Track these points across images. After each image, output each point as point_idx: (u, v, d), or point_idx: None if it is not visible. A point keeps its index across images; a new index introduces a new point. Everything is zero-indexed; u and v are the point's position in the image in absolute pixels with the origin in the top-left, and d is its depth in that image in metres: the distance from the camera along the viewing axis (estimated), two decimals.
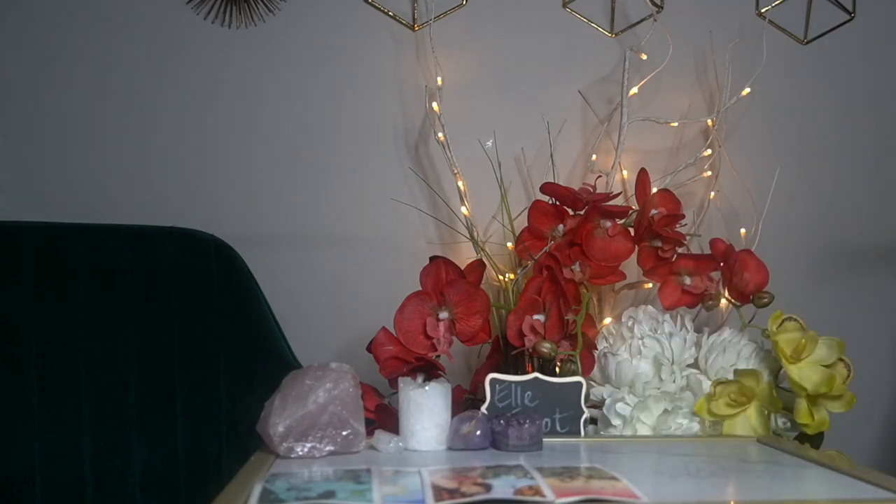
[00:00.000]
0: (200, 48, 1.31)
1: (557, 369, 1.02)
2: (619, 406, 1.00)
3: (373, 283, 1.32)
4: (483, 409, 0.91)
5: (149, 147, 1.30)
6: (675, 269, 1.10)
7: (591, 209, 1.10)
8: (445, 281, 1.02)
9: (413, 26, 1.33)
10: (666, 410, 1.00)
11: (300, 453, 0.77)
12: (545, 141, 1.30)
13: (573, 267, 1.10)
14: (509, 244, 1.23)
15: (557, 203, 1.13)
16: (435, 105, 1.26)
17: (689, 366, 1.07)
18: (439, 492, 0.61)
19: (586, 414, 0.93)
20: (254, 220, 1.32)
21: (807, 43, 1.40)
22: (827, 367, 1.01)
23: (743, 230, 1.31)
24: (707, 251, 1.14)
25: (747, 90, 1.30)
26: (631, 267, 1.17)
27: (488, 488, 0.59)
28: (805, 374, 1.00)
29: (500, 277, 1.20)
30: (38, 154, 1.29)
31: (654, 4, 1.36)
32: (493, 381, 0.93)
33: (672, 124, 1.34)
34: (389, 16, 1.33)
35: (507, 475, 0.65)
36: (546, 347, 0.99)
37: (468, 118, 1.31)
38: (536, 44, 1.36)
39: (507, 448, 0.83)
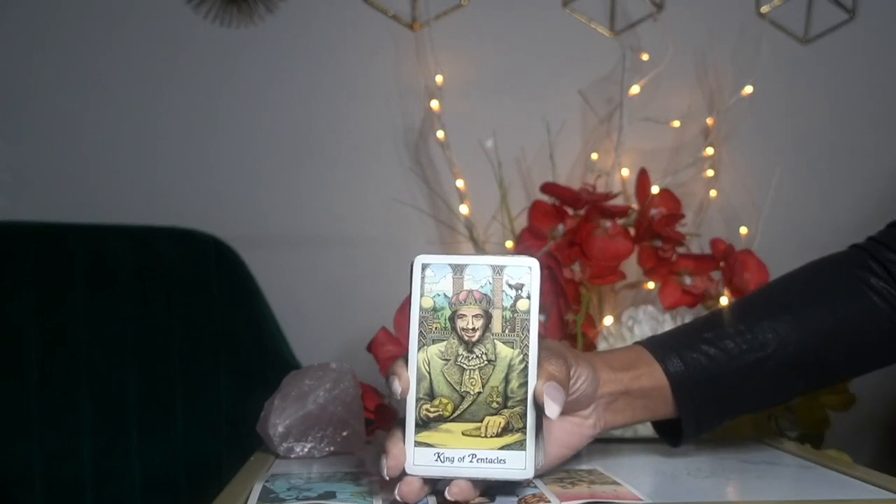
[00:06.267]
0: (200, 48, 1.31)
1: None
2: None
3: (373, 283, 1.32)
4: None
5: (148, 147, 1.30)
6: (675, 269, 1.10)
7: (591, 209, 1.10)
8: None
9: (413, 26, 1.33)
10: None
11: (300, 453, 0.77)
12: (545, 141, 1.30)
13: (573, 267, 1.10)
14: (509, 244, 1.23)
15: (558, 203, 1.13)
16: (435, 105, 1.26)
17: None
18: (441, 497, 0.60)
19: None
20: (254, 220, 1.32)
21: (807, 43, 1.40)
22: None
23: (743, 230, 1.31)
24: (707, 251, 1.14)
25: (749, 89, 1.30)
26: (631, 267, 1.16)
27: (492, 498, 0.59)
28: None
29: None
30: (38, 154, 1.29)
31: (654, 4, 1.36)
32: None
33: (672, 124, 1.34)
34: (389, 16, 1.33)
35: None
36: None
37: (468, 118, 1.31)
38: (536, 44, 1.36)
39: None
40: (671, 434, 0.74)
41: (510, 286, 0.57)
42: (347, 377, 0.80)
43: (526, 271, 0.57)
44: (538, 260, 0.57)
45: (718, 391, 0.70)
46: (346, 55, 1.33)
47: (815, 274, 0.78)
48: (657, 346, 0.71)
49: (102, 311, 1.13)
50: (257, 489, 0.63)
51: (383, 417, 0.98)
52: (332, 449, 0.78)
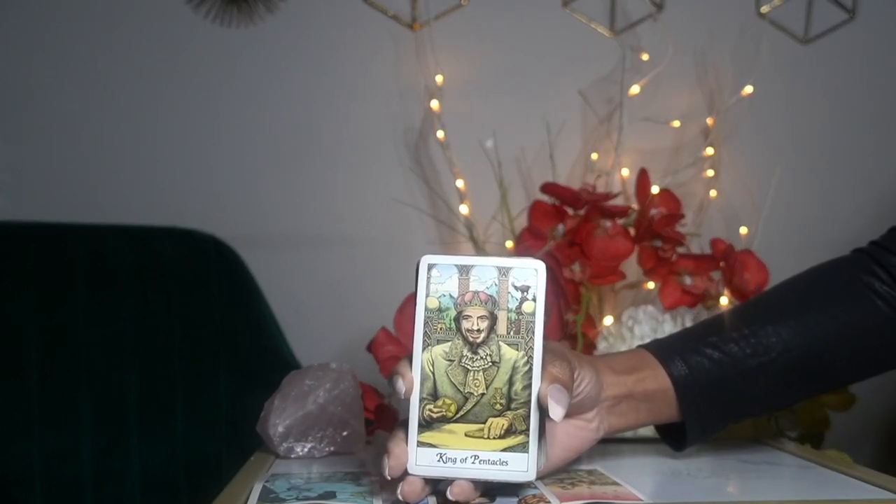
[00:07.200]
0: (200, 48, 1.30)
1: None
2: None
3: (373, 283, 1.32)
4: None
5: (148, 147, 1.30)
6: (675, 269, 1.10)
7: (591, 209, 1.10)
8: None
9: (413, 26, 1.33)
10: None
11: (300, 453, 0.77)
12: (545, 141, 1.30)
13: (573, 267, 1.10)
14: (509, 244, 1.23)
15: (558, 203, 1.13)
16: (435, 105, 1.27)
17: None
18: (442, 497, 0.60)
19: None
20: (254, 220, 1.32)
21: (807, 43, 1.40)
22: None
23: (743, 230, 1.31)
24: (707, 251, 1.14)
25: (749, 89, 1.30)
26: (631, 267, 1.16)
27: (493, 498, 0.59)
28: None
29: None
30: (37, 154, 1.29)
31: (654, 4, 1.36)
32: None
33: (672, 124, 1.34)
34: (389, 16, 1.33)
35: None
36: None
37: (468, 118, 1.31)
38: (536, 44, 1.36)
39: None
40: (675, 438, 0.74)
41: (516, 288, 0.57)
42: (347, 377, 0.80)
43: (532, 273, 0.57)
44: (544, 262, 0.57)
45: (722, 395, 0.70)
46: (346, 55, 1.33)
47: (819, 278, 0.78)
48: (660, 349, 0.71)
49: (102, 311, 1.13)
50: (257, 489, 0.63)
51: (383, 417, 0.98)
52: (332, 449, 0.78)
